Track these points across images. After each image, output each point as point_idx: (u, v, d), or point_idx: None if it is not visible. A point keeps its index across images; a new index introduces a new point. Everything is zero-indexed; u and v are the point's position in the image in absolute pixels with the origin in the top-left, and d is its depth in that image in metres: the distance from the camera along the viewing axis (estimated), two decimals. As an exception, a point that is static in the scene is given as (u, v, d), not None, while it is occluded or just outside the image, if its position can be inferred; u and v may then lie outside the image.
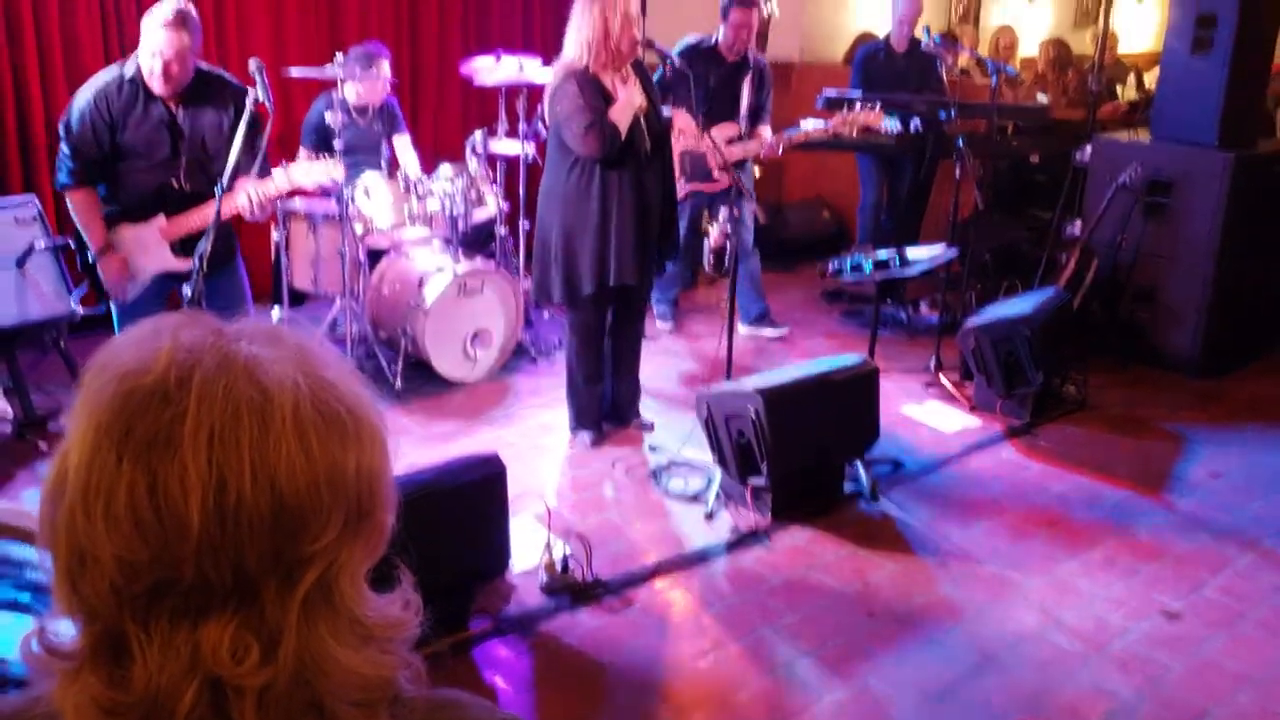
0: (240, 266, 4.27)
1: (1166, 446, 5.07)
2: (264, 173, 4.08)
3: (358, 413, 0.87)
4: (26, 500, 3.82)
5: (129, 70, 3.85)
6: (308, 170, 4.19)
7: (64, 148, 3.91)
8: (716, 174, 5.63)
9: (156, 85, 3.81)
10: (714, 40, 5.78)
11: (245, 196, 3.92)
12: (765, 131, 5.78)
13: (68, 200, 4.00)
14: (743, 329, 6.11)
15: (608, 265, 4.38)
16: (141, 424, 0.80)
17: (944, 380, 5.55)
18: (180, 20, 3.73)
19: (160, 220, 3.98)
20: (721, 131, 5.50)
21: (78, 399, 0.85)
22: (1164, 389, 5.73)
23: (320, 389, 0.85)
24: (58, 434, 4.56)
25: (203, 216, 3.88)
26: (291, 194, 4.76)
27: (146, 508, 0.79)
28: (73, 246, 4.14)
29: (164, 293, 4.19)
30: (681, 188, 4.83)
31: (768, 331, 6.19)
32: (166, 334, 0.85)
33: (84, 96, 3.86)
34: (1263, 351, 6.23)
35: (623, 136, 4.24)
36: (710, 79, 5.66)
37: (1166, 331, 5.92)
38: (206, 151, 3.96)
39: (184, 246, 3.97)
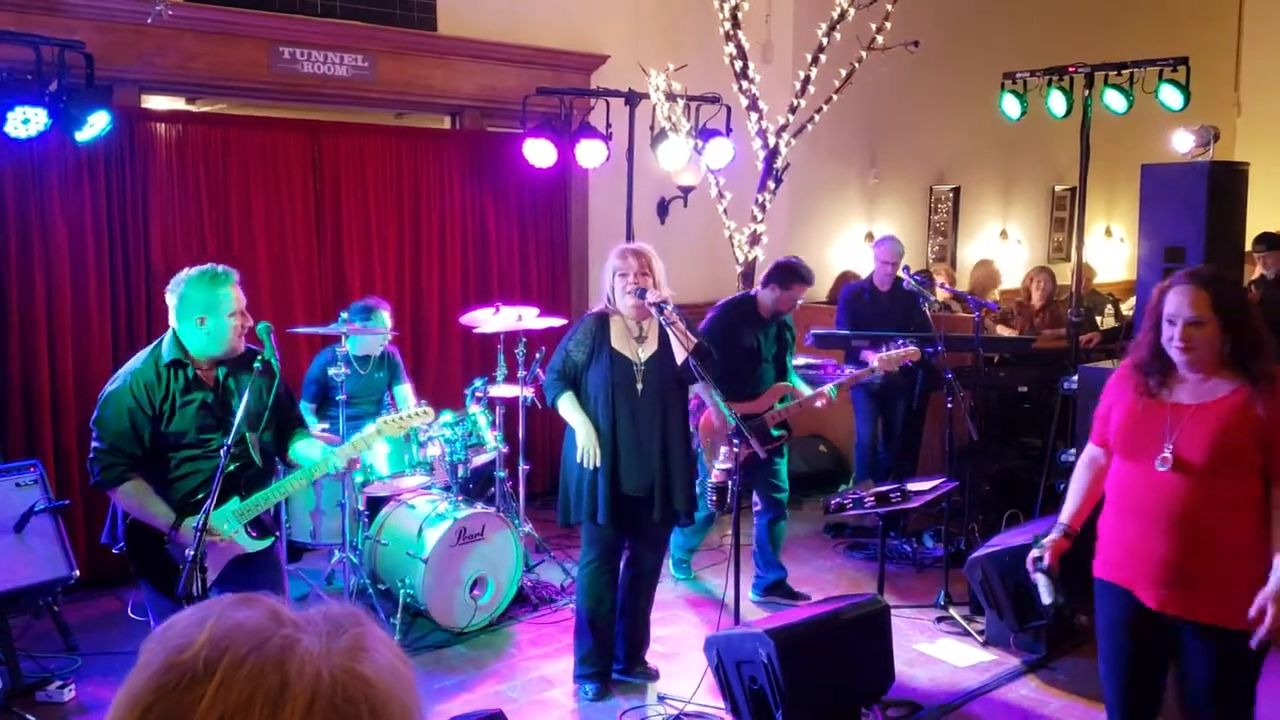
0: (280, 548, 3.94)
1: (1188, 676, 4.92)
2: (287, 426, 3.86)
3: (382, 715, 0.84)
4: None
5: (165, 354, 3.54)
6: (398, 421, 3.94)
7: (99, 445, 3.50)
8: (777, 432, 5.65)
9: (238, 344, 3.57)
10: (754, 297, 5.72)
11: (341, 459, 3.65)
12: (800, 383, 5.78)
13: (117, 498, 3.52)
14: (753, 597, 5.76)
15: (582, 501, 4.50)
16: (163, 703, 0.80)
17: (955, 614, 5.44)
18: (238, 278, 3.61)
19: (234, 502, 3.56)
20: (779, 391, 5.61)
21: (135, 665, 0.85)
22: (1178, 615, 5.61)
23: (350, 685, 0.83)
24: (46, 705, 4.41)
25: (286, 490, 3.68)
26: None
27: None
28: (121, 547, 3.62)
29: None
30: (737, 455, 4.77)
31: (783, 604, 5.72)
32: (214, 613, 0.85)
33: (118, 389, 3.50)
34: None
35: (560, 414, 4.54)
36: (758, 338, 5.61)
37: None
38: (259, 422, 3.66)
39: (257, 524, 3.65)
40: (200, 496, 3.46)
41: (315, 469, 3.66)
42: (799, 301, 5.69)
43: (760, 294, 5.67)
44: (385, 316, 5.76)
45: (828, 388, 5.59)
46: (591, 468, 4.44)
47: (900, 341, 5.72)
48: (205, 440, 3.51)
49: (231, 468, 3.49)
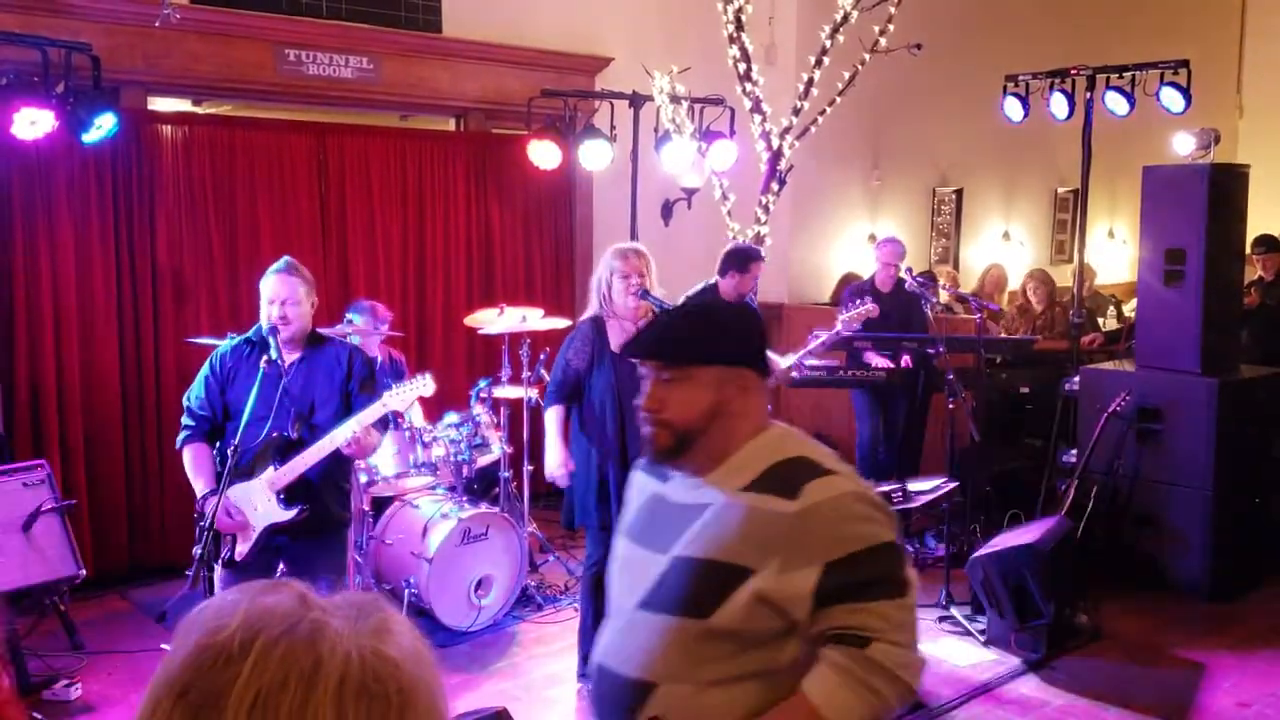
0: (347, 537, 4.18)
1: (1187, 675, 4.94)
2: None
3: (409, 695, 0.87)
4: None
5: (250, 333, 3.98)
6: (402, 393, 4.04)
7: (184, 412, 3.99)
8: None
9: (286, 330, 3.87)
10: (714, 287, 5.82)
11: (348, 429, 3.84)
12: (776, 360, 5.86)
13: (183, 457, 3.99)
14: None
15: (589, 505, 4.51)
16: (200, 683, 0.83)
17: (956, 614, 5.47)
18: (291, 268, 3.92)
19: (269, 471, 3.88)
20: None
21: (169, 649, 0.88)
22: (1176, 614, 5.64)
23: (379, 665, 0.86)
24: (52, 703, 4.44)
25: (306, 460, 3.86)
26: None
27: None
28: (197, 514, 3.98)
29: (270, 563, 3.96)
30: None
31: None
32: (246, 597, 0.88)
33: (207, 361, 4.00)
34: (1272, 572, 6.16)
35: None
36: None
37: (1172, 556, 5.89)
38: (313, 405, 3.94)
39: (291, 498, 3.89)
40: (252, 460, 3.85)
41: (330, 439, 3.85)
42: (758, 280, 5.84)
43: (721, 284, 5.76)
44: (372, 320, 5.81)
45: (790, 358, 5.66)
46: (562, 486, 4.56)
47: (858, 301, 5.88)
48: (262, 416, 3.82)
49: (273, 439, 3.85)
